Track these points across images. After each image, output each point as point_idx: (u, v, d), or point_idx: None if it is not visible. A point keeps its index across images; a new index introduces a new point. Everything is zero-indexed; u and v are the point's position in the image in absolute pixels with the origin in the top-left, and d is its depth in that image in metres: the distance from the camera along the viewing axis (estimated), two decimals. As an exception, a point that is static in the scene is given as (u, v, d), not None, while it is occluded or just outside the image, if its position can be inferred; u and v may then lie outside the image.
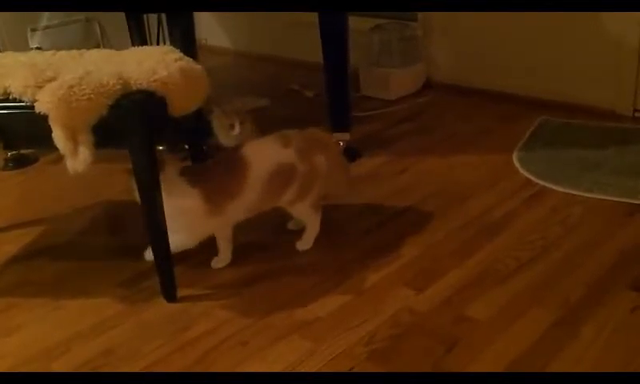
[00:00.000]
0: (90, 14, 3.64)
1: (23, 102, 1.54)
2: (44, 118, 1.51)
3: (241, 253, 1.93)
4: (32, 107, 1.52)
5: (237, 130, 1.98)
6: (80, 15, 3.61)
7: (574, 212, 2.03)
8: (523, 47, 2.92)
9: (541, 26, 2.84)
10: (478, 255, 1.85)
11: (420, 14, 3.22)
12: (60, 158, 1.55)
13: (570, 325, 1.55)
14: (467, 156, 2.49)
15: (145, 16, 2.72)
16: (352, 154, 2.51)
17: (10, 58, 1.78)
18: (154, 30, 3.10)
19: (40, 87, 1.52)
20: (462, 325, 1.58)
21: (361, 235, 2.01)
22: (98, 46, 3.59)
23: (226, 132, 2.04)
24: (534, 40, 2.88)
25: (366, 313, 1.65)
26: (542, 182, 2.22)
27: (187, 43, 2.27)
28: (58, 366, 1.55)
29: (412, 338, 1.56)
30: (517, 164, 2.37)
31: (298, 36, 3.64)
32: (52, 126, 1.51)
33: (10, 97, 1.55)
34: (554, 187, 2.19)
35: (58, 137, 1.51)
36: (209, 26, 4.12)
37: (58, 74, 1.57)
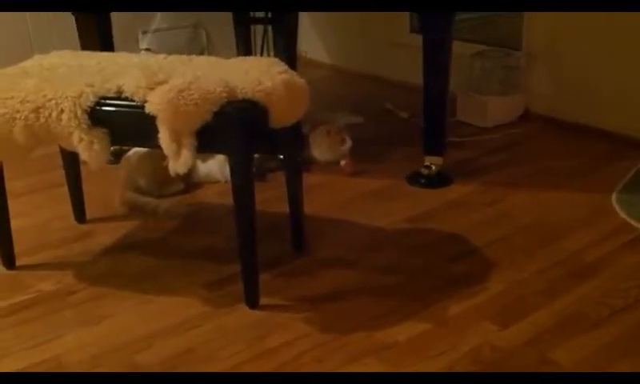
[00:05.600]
0: (198, 21, 3.77)
1: (134, 101, 1.60)
2: (152, 118, 1.57)
3: (325, 268, 1.94)
4: (142, 107, 1.58)
5: (347, 145, 1.97)
6: (188, 21, 3.74)
7: (674, 263, 1.94)
8: (631, 84, 2.81)
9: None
10: (567, 297, 1.79)
11: (524, 43, 3.15)
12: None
13: (662, 383, 1.47)
14: (562, 193, 2.41)
15: (252, 26, 2.78)
16: (444, 179, 2.49)
17: (125, 58, 1.87)
18: (259, 41, 3.16)
19: (151, 89, 1.58)
20: (545, 369, 1.52)
21: (445, 263, 1.98)
22: (202, 52, 3.72)
23: (325, 148, 2.05)
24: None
25: (445, 343, 1.62)
26: (641, 228, 2.13)
27: (289, 55, 2.31)
28: (140, 360, 1.59)
29: (492, 375, 1.52)
30: (616, 206, 2.28)
31: (396, 56, 3.64)
32: (159, 127, 1.57)
33: (122, 95, 1.62)
34: (655, 235, 2.09)
35: (164, 138, 1.57)
36: (309, 39, 4.18)
37: (168, 77, 1.63)
